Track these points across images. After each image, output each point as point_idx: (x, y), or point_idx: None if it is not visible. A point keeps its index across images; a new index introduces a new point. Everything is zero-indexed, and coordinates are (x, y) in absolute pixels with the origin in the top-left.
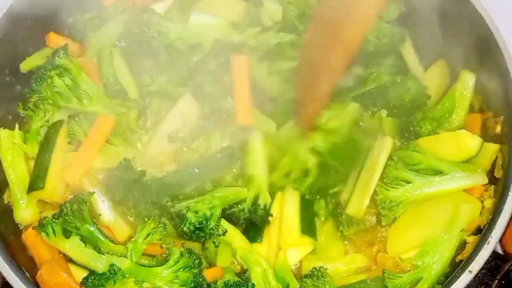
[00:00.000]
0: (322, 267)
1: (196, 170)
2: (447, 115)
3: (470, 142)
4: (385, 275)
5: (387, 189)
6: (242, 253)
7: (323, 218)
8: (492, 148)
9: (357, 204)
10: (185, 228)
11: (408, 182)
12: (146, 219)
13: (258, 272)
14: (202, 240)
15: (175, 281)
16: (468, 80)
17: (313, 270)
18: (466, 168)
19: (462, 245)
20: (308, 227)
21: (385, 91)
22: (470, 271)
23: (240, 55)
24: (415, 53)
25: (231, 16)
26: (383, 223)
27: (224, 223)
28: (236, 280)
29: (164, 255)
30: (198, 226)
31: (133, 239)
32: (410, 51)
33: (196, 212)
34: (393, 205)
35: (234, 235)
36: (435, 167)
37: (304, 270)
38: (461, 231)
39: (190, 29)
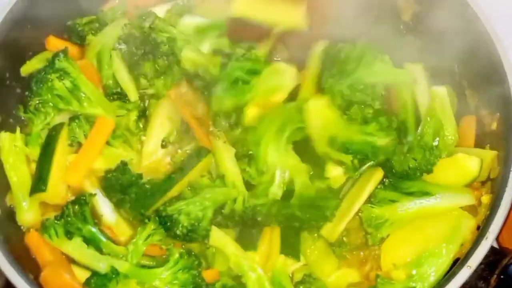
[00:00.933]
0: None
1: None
2: (438, 135)
3: (470, 164)
4: (378, 280)
5: (372, 207)
6: (235, 259)
7: (316, 234)
8: (489, 157)
9: (332, 227)
10: (177, 231)
11: (395, 201)
12: (147, 220)
13: (253, 278)
14: (195, 241)
15: (175, 282)
16: (441, 95)
17: (305, 276)
18: (454, 189)
19: None
20: (290, 248)
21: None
22: (469, 266)
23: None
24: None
25: None
26: (369, 243)
27: (215, 231)
28: (233, 283)
29: (164, 256)
30: (191, 228)
31: (133, 240)
32: None
33: (188, 214)
34: (379, 223)
35: (226, 243)
36: (425, 189)
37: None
38: (461, 245)
39: (184, 32)
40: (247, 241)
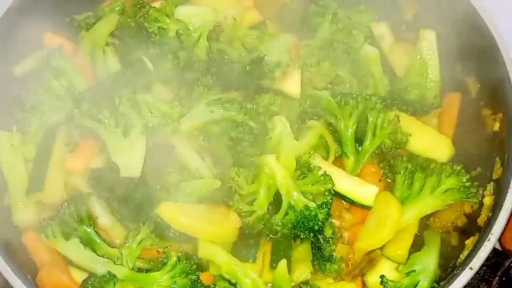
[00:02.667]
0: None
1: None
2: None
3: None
4: (383, 279)
5: None
6: (227, 268)
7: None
8: None
9: None
10: (170, 234)
11: None
12: (142, 224)
13: (248, 283)
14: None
15: (173, 286)
16: (429, 38)
17: (301, 284)
18: None
19: (462, 245)
20: (280, 257)
21: None
22: (471, 268)
23: None
24: None
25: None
26: None
27: (202, 243)
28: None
29: (161, 259)
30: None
31: (126, 244)
32: None
33: None
34: None
35: (215, 252)
36: None
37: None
38: None
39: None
40: (244, 252)
